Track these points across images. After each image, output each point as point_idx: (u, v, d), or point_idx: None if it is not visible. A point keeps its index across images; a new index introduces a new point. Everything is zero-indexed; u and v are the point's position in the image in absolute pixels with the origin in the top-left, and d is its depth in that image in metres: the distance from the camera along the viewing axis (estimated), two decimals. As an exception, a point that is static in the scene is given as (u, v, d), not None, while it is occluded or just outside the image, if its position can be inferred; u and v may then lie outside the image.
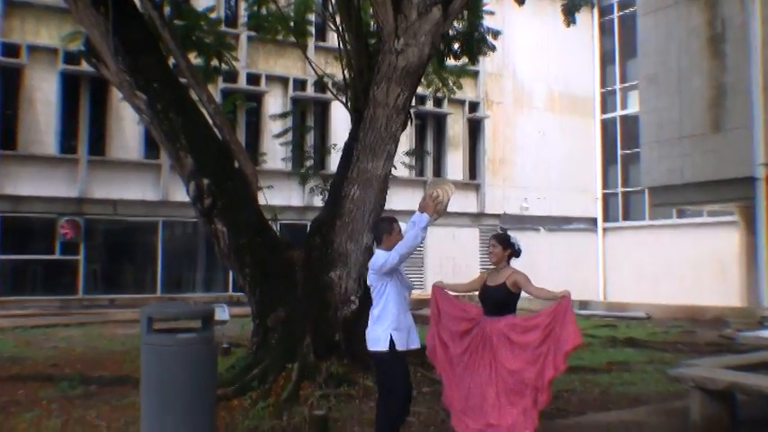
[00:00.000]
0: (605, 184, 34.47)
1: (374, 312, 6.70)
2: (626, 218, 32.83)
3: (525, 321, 6.98)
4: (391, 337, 6.56)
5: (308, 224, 11.42)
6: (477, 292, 7.43)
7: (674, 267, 28.24)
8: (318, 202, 21.15)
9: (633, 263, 30.57)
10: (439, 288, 7.59)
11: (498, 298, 7.13)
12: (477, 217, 33.77)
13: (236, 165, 11.03)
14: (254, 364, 10.08)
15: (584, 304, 25.81)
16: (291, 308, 10.28)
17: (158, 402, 6.54)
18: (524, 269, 7.48)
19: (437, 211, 6.67)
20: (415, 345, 6.71)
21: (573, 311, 6.81)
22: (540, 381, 6.70)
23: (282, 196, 24.28)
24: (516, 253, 7.35)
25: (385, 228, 6.98)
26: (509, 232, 7.52)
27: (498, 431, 6.84)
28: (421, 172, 32.46)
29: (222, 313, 15.60)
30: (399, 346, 6.59)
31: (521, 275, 7.14)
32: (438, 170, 33.34)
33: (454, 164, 33.62)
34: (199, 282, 27.67)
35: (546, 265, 32.03)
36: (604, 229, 33.22)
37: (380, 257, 6.68)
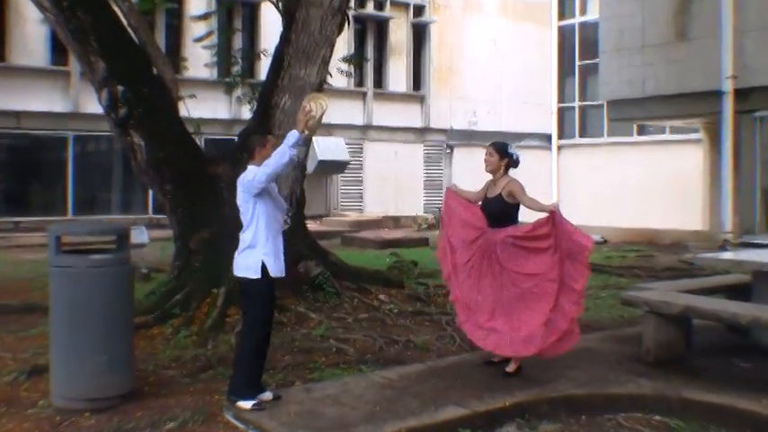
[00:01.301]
0: (561, 98, 34.65)
1: (244, 236, 6.59)
2: (583, 134, 33.14)
3: (529, 230, 7.37)
4: (263, 263, 6.51)
5: (236, 139, 11.33)
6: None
7: (634, 188, 28.71)
8: (247, 113, 20.94)
9: (589, 183, 31.00)
10: (453, 191, 7.97)
11: (496, 210, 7.52)
12: (421, 132, 33.81)
13: (155, 71, 10.85)
14: (175, 289, 10.14)
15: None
16: (216, 228, 10.29)
17: (69, 331, 6.56)
18: (469, 189, 7.71)
19: (308, 126, 6.48)
20: (282, 273, 6.61)
21: (566, 221, 7.30)
22: (574, 284, 7.26)
23: (206, 107, 23.93)
24: (514, 163, 7.66)
25: (257, 141, 6.82)
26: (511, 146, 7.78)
27: (506, 336, 7.33)
28: (360, 82, 32.27)
29: (141, 236, 15.52)
30: (273, 273, 6.53)
31: (516, 184, 7.49)
32: (379, 80, 33.17)
33: (397, 73, 33.46)
34: (115, 203, 27.36)
35: (496, 185, 32.33)
36: (559, 147, 33.49)
37: (249, 174, 6.56)
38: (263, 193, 6.54)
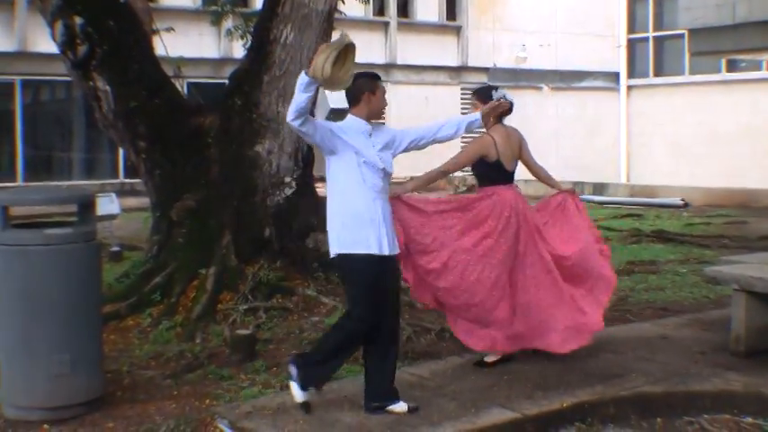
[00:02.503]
0: (631, 27, 34.45)
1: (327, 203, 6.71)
2: (658, 73, 32.98)
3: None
4: (338, 236, 6.58)
5: (227, 82, 11.34)
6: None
7: (722, 139, 28.59)
8: (239, 50, 20.95)
9: (667, 133, 30.88)
10: (401, 199, 7.42)
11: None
12: (457, 72, 33.74)
13: (122, -2, 10.87)
14: (155, 270, 10.19)
15: (600, 188, 26.19)
16: (204, 194, 10.35)
17: (21, 325, 6.57)
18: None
19: (312, 64, 6.28)
20: (386, 250, 6.55)
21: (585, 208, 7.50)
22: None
23: (189, 44, 23.94)
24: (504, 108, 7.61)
25: (366, 85, 6.70)
26: (501, 88, 7.71)
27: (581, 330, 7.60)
28: (381, 9, 32.19)
29: (109, 205, 15.58)
30: (348, 248, 6.51)
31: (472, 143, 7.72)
32: (405, 7, 33.07)
33: (426, -1, 33.35)
34: (77, 165, 27.52)
35: (550, 135, 32.27)
36: (629, 88, 33.36)
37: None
38: (335, 147, 6.59)
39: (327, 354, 6.65)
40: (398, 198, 7.22)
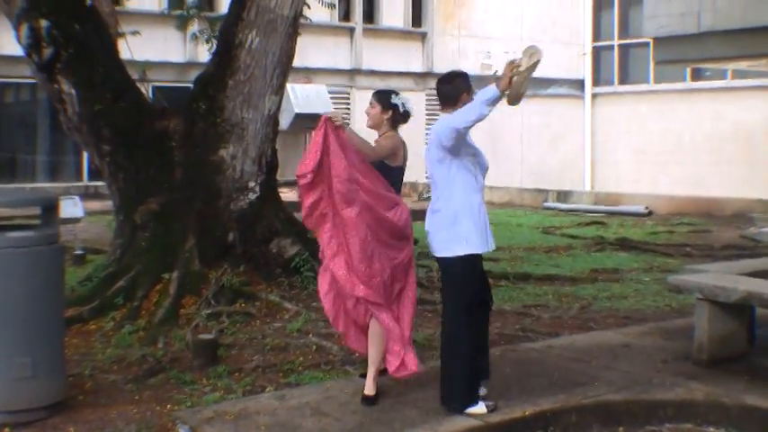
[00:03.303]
0: (596, 35, 34.62)
1: (438, 206, 6.77)
2: (623, 80, 33.16)
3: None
4: (467, 238, 6.65)
5: (191, 86, 11.34)
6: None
7: (686, 148, 28.79)
8: (205, 55, 20.90)
9: (631, 141, 31.05)
10: (334, 124, 7.04)
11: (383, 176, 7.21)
12: (422, 78, 33.77)
13: (88, 1, 10.82)
14: (118, 274, 10.18)
15: (564, 195, 26.29)
16: (168, 198, 10.36)
17: (-18, 327, 6.52)
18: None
19: (512, 83, 6.50)
20: (490, 246, 6.84)
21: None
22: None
23: (154, 47, 23.85)
24: (401, 116, 7.36)
25: (463, 85, 6.97)
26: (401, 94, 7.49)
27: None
28: (346, 15, 32.19)
29: (73, 208, 15.50)
30: (477, 248, 6.70)
31: (386, 141, 7.33)
32: (370, 12, 33.10)
33: (392, 4, 33.37)
34: (41, 167, 27.35)
35: (515, 142, 32.36)
36: (594, 96, 33.52)
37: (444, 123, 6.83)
38: (459, 149, 6.70)
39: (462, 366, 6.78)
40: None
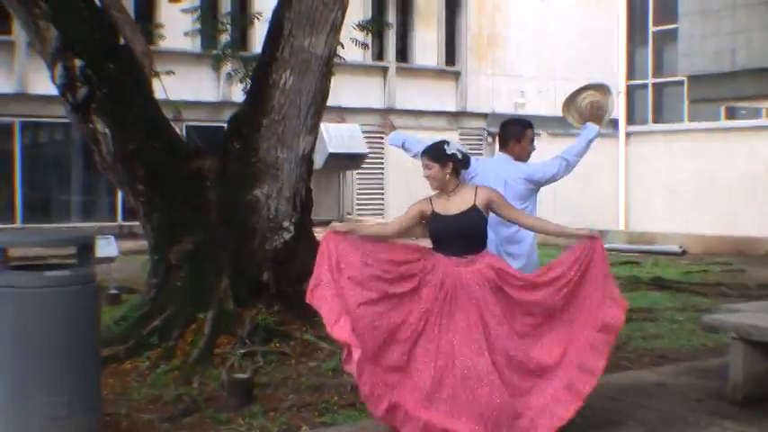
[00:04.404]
0: (630, 73, 34.63)
1: (519, 237, 7.67)
2: (657, 119, 33.13)
3: (544, 272, 7.00)
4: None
5: (225, 126, 11.42)
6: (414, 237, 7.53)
7: (720, 186, 28.69)
8: (239, 94, 21.06)
9: (665, 180, 30.98)
10: (338, 233, 7.12)
11: (473, 226, 6.92)
12: (456, 117, 33.87)
13: (122, 41, 10.95)
14: (153, 313, 10.24)
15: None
16: (202, 238, 10.43)
17: (17, 366, 6.56)
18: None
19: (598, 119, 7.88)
20: None
21: (606, 260, 7.05)
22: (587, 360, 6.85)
23: (188, 87, 24.08)
24: (461, 163, 7.09)
25: (516, 132, 7.93)
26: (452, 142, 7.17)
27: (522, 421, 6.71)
28: (380, 54, 32.36)
29: (108, 248, 15.62)
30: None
31: (493, 192, 7.07)
32: (404, 52, 33.25)
33: (425, 43, 33.51)
34: (75, 207, 27.52)
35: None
36: (628, 135, 33.48)
37: (535, 167, 7.74)
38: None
39: None
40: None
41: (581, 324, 6.87)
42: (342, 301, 6.82)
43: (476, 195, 6.93)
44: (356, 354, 6.53)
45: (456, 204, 6.94)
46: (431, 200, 7.06)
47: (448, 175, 6.94)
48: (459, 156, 6.98)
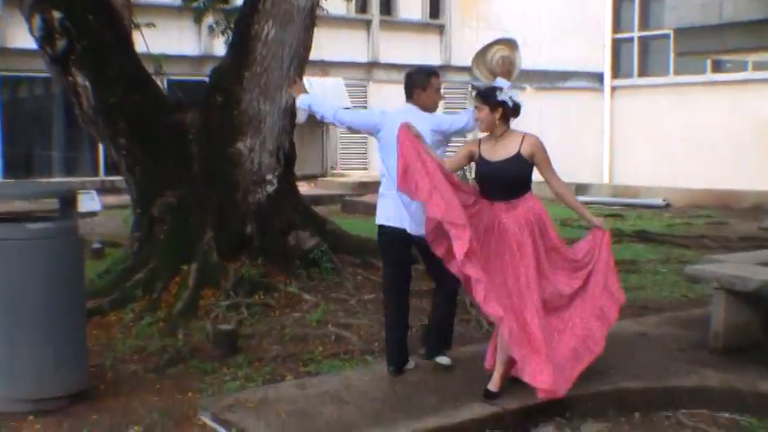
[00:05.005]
0: (616, 26, 34.57)
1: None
2: (643, 73, 33.08)
3: (559, 244, 7.20)
4: None
5: (207, 79, 11.42)
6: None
7: (705, 140, 28.70)
8: (220, 47, 21.01)
9: (650, 134, 30.97)
10: (410, 131, 7.02)
11: (515, 174, 7.08)
12: (440, 71, 33.78)
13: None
14: (136, 266, 10.32)
15: (582, 188, 26.33)
16: (185, 191, 10.51)
17: (4, 320, 6.65)
18: None
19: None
20: None
21: (611, 253, 7.21)
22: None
23: (169, 40, 23.95)
24: (511, 111, 7.16)
25: (420, 80, 7.65)
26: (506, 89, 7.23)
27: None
28: (363, 7, 32.24)
29: (91, 202, 15.69)
30: None
31: (541, 145, 7.17)
32: (388, 4, 33.13)
33: (409, -3, 33.42)
34: (57, 162, 27.45)
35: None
36: (613, 89, 33.45)
37: (443, 117, 7.52)
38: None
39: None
40: None
41: (584, 309, 7.17)
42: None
43: (521, 144, 7.07)
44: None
45: (502, 150, 7.09)
46: (480, 143, 7.23)
47: (497, 120, 7.08)
48: (510, 104, 7.09)
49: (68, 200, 7.07)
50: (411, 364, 7.57)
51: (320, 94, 29.10)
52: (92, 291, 9.65)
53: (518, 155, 7.02)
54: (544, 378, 6.70)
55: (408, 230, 7.27)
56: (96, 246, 13.74)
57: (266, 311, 9.66)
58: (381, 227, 7.52)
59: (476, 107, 7.16)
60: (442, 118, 7.55)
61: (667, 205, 23.50)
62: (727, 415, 6.90)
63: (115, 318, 9.45)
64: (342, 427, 6.23)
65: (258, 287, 10.06)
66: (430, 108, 7.55)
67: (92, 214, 14.71)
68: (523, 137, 7.12)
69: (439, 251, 6.90)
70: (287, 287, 10.19)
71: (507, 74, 7.46)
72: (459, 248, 6.54)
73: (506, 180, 7.04)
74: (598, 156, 33.07)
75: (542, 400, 6.74)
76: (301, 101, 7.72)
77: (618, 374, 7.36)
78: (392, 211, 7.36)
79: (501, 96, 7.05)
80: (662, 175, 27.41)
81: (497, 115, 7.05)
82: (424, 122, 7.26)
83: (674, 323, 9.31)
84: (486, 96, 7.10)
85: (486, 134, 7.20)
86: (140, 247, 10.57)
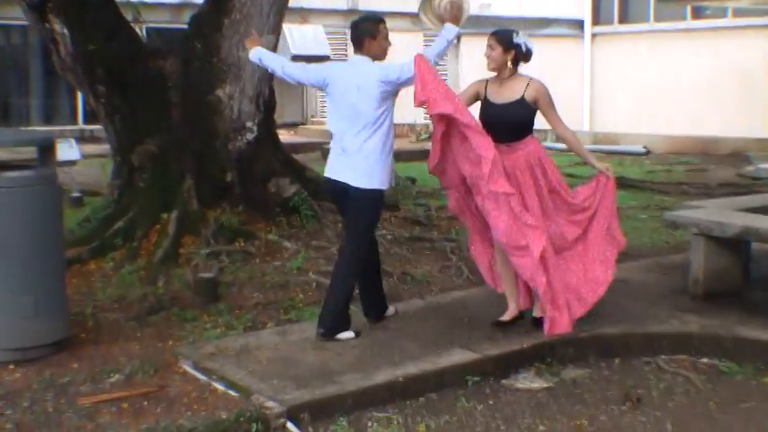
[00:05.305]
0: (596, -27, 34.44)
1: (373, 142, 7.03)
2: (623, 20, 33.01)
3: (561, 185, 7.31)
4: (389, 174, 7.19)
5: (186, 27, 11.31)
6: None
7: (685, 87, 28.70)
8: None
9: (630, 81, 30.95)
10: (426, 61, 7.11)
11: (517, 118, 7.21)
12: (419, 18, 33.63)
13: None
14: (116, 215, 10.27)
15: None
16: (165, 139, 10.42)
17: (-19, 268, 6.59)
18: None
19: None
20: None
21: (615, 200, 7.36)
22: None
23: (148, -12, 23.75)
24: (523, 56, 7.31)
25: (368, 29, 7.29)
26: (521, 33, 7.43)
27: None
28: (344, -49, 31.96)
29: (70, 151, 15.58)
30: (386, 185, 7.20)
31: (545, 90, 7.27)
32: (366, -49, 32.85)
33: (389, -58, 33.13)
34: (35, 110, 27.28)
35: (514, 84, 32.14)
36: (594, 36, 33.38)
37: (390, 67, 7.03)
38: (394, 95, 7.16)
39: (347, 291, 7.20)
40: None
41: (587, 253, 7.33)
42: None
43: (526, 88, 7.20)
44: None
45: (507, 92, 7.24)
46: (486, 83, 7.37)
47: (508, 62, 7.24)
48: (524, 48, 7.23)
49: (47, 148, 7.01)
50: (391, 311, 7.58)
51: (300, 41, 29.01)
52: (71, 240, 9.63)
53: (522, 99, 7.18)
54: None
55: (351, 183, 7.05)
56: (76, 195, 13.67)
57: (247, 259, 9.62)
58: (326, 179, 7.40)
59: (489, 45, 7.27)
60: (392, 67, 7.12)
61: (647, 152, 23.54)
62: (706, 360, 6.95)
63: (95, 266, 9.41)
64: (323, 374, 6.23)
65: (238, 235, 10.04)
66: (380, 56, 7.28)
67: (71, 163, 14.61)
68: (529, 81, 7.28)
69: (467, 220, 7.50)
70: (267, 235, 10.17)
71: (455, 20, 7.32)
72: (485, 149, 6.82)
73: (508, 123, 7.17)
74: (578, 103, 33.06)
75: (523, 346, 6.80)
76: (252, 54, 7.55)
77: (598, 320, 7.38)
78: (335, 164, 7.25)
79: (516, 40, 7.23)
80: (642, 122, 27.43)
81: (509, 57, 7.24)
82: (373, 74, 7.05)
83: (654, 269, 9.34)
84: (503, 37, 7.24)
85: (494, 75, 7.32)
86: (120, 195, 10.50)
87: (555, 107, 7.31)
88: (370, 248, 7.37)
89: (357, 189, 6.97)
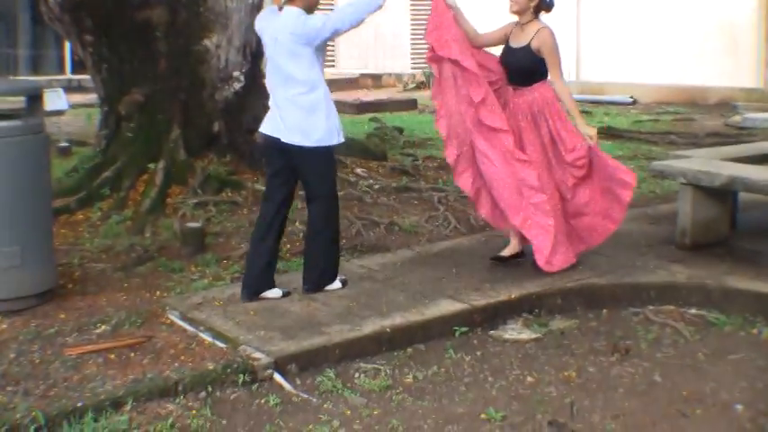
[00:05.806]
0: None
1: (310, 98, 6.62)
2: (610, -31, 32.87)
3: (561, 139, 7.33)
4: (338, 129, 6.76)
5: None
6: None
7: (672, 36, 28.62)
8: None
9: (617, 29, 30.85)
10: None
11: (522, 63, 7.35)
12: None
13: None
14: (103, 165, 10.21)
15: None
16: (152, 88, 10.32)
17: (-31, 215, 6.53)
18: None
19: None
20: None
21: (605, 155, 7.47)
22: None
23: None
24: (546, 5, 7.42)
25: None
26: None
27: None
28: None
29: (58, 101, 15.46)
30: (341, 139, 6.82)
31: (550, 39, 7.31)
32: None
33: None
34: (22, 60, 27.12)
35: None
36: (581, -15, 33.27)
37: (313, 20, 6.55)
38: (323, 46, 6.77)
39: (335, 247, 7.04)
40: None
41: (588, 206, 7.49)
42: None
43: (534, 36, 7.28)
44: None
45: (521, 38, 7.37)
46: (513, 27, 7.50)
47: (531, 7, 7.32)
48: None
49: (35, 97, 6.92)
50: (336, 285, 7.05)
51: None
52: (59, 189, 9.56)
53: (527, 46, 7.29)
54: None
55: (283, 140, 6.72)
56: (63, 144, 13.56)
57: (234, 209, 9.59)
58: (262, 135, 7.09)
59: (515, 2, 7.34)
60: (309, 23, 6.56)
61: (634, 102, 23.48)
62: (694, 311, 6.89)
63: (82, 216, 9.35)
64: (310, 325, 6.19)
65: (226, 185, 10.01)
66: (313, 7, 6.77)
67: (58, 113, 14.50)
68: (539, 29, 7.33)
69: (465, 185, 7.57)
70: (254, 184, 10.11)
71: None
72: (476, 94, 7.02)
73: (515, 67, 7.36)
74: (565, 53, 32.89)
75: (511, 297, 6.78)
76: None
77: (586, 271, 7.37)
78: (270, 119, 6.93)
79: None
80: (629, 71, 27.34)
81: (533, 3, 7.31)
82: (290, 26, 6.58)
83: (642, 219, 9.29)
84: None
85: (517, 19, 7.43)
86: (107, 145, 10.44)
87: (558, 60, 7.32)
88: (280, 212, 7.00)
89: (294, 145, 6.67)
